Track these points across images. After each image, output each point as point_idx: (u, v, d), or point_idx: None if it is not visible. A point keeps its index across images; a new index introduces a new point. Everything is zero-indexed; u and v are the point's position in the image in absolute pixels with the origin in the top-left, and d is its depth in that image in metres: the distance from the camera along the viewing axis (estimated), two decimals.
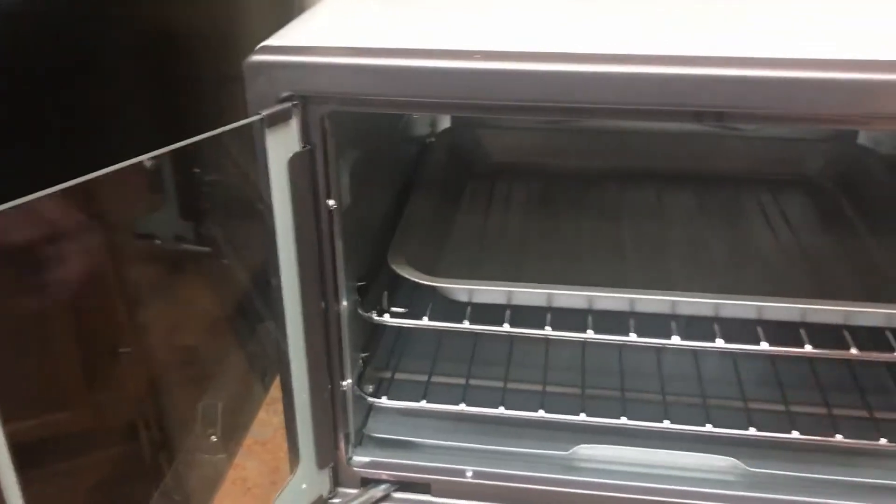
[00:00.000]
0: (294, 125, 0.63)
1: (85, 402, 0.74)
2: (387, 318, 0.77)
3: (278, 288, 0.68)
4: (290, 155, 0.63)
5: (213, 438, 0.85)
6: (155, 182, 0.77)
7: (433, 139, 1.10)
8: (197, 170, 0.79)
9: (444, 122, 1.13)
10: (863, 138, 1.06)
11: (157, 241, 0.82)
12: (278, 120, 0.61)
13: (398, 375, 0.85)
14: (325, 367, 0.73)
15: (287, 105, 0.61)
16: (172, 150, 0.63)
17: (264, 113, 0.60)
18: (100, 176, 0.54)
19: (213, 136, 0.61)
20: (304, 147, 0.64)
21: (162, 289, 0.83)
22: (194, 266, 0.85)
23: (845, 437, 0.73)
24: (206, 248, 0.85)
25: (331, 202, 0.67)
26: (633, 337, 0.73)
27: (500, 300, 0.76)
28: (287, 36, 0.66)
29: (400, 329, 0.89)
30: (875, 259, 0.87)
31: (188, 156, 0.73)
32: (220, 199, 0.82)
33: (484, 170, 1.09)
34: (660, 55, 0.58)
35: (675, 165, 1.07)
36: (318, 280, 0.70)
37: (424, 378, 0.83)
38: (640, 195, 1.03)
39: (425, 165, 1.02)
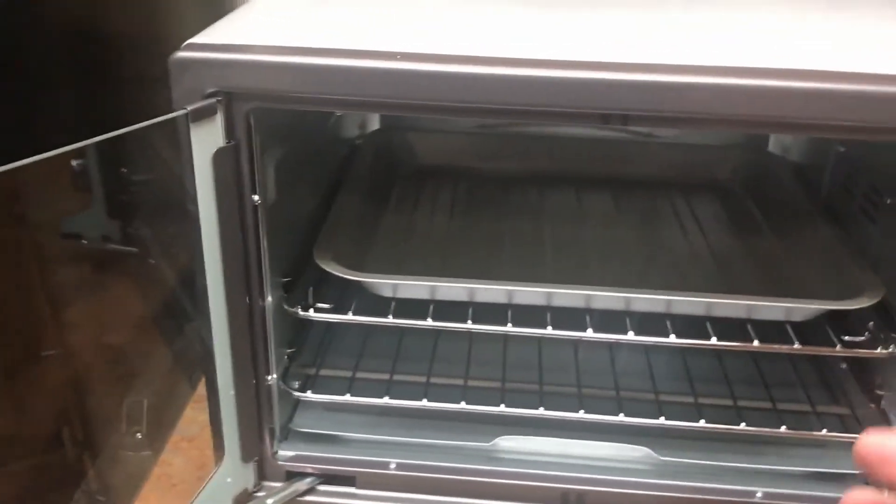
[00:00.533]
0: (219, 121, 0.64)
1: (7, 403, 0.74)
2: (312, 313, 0.78)
3: (203, 282, 0.69)
4: (215, 150, 0.64)
5: (139, 436, 0.85)
6: (82, 181, 0.77)
7: (361, 141, 1.12)
8: (124, 169, 0.79)
9: (373, 124, 1.15)
10: (773, 145, 1.12)
11: (84, 241, 0.82)
12: (203, 115, 0.63)
13: (325, 372, 0.86)
14: (250, 362, 0.74)
15: (212, 101, 0.63)
16: (99, 149, 0.63)
17: (189, 108, 0.61)
18: (18, 167, 0.54)
19: (140, 134, 0.61)
20: (228, 142, 0.65)
21: (88, 289, 0.82)
22: (122, 265, 0.85)
23: (748, 424, 0.77)
24: (134, 248, 0.86)
25: (256, 198, 0.68)
26: (549, 330, 0.76)
27: (424, 295, 0.78)
28: (213, 34, 0.68)
29: (327, 326, 0.90)
30: (780, 259, 0.92)
31: (115, 154, 0.74)
32: (148, 199, 0.83)
33: (411, 171, 1.11)
34: (569, 60, 0.61)
35: (594, 170, 1.11)
36: (242, 275, 0.71)
37: (350, 374, 0.85)
38: (561, 197, 1.07)
39: (354, 166, 1.04)
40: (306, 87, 0.62)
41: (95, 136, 0.61)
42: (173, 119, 0.62)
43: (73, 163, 0.73)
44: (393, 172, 1.10)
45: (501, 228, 0.99)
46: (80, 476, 0.79)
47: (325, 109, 0.86)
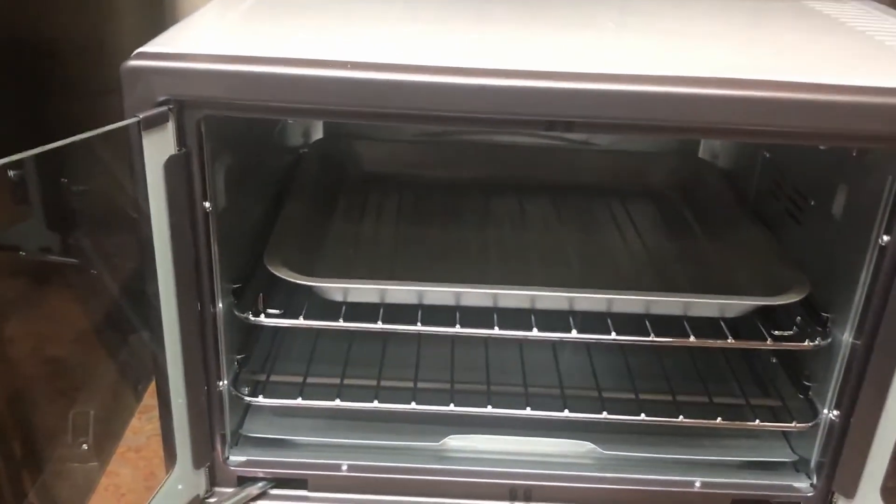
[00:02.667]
0: (170, 129, 0.65)
1: None
2: (262, 318, 0.79)
3: (155, 290, 0.69)
4: (167, 158, 0.65)
5: (85, 447, 0.85)
6: (20, 192, 0.76)
7: (307, 149, 1.13)
8: (65, 179, 0.79)
9: (317, 133, 1.16)
10: (703, 152, 1.17)
11: (22, 253, 0.81)
12: (154, 123, 0.63)
13: (275, 377, 0.86)
14: (201, 369, 0.75)
15: (163, 109, 0.63)
16: (38, 159, 0.63)
17: (141, 116, 0.62)
18: None
19: (85, 144, 0.61)
20: (179, 150, 0.66)
21: (28, 302, 0.81)
22: (63, 277, 0.84)
23: (686, 417, 0.81)
24: (75, 259, 0.85)
25: (207, 204, 0.69)
26: (496, 330, 0.79)
27: (374, 298, 0.79)
28: (163, 43, 0.68)
29: (277, 331, 0.91)
30: (712, 259, 0.97)
31: (55, 164, 0.73)
32: (89, 209, 0.82)
33: (357, 179, 1.13)
34: (516, 69, 0.63)
35: (535, 176, 1.14)
36: (194, 281, 0.71)
37: (300, 378, 0.86)
38: (504, 203, 1.10)
39: (300, 174, 1.04)
40: (258, 94, 0.63)
41: (35, 145, 0.60)
42: (123, 127, 0.63)
43: (11, 173, 0.72)
44: (339, 180, 1.11)
45: (447, 234, 1.01)
46: (19, 491, 0.78)
47: (277, 117, 0.87)
